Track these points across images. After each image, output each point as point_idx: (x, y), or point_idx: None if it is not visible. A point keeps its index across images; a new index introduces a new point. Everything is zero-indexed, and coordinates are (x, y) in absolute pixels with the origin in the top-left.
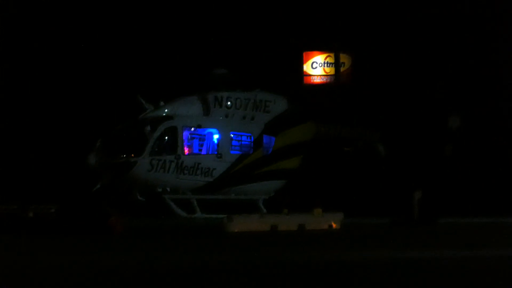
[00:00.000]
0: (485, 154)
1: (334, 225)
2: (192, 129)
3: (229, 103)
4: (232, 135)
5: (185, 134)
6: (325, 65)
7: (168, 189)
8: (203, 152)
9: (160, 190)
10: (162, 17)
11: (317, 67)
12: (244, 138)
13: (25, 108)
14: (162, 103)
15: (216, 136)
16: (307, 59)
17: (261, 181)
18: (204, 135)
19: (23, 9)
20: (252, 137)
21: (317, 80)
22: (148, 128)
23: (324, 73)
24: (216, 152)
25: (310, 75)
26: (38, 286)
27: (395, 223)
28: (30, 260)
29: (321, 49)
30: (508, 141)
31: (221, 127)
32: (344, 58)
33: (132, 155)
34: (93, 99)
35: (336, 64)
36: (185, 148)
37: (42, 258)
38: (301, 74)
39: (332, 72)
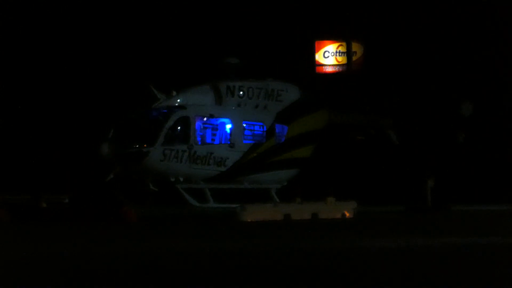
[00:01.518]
0: (497, 141)
1: (347, 214)
2: (205, 118)
3: (241, 92)
4: (245, 125)
5: (198, 123)
6: (337, 54)
7: (181, 178)
8: (216, 141)
9: (173, 179)
10: (176, 6)
11: (329, 56)
12: (256, 127)
13: (38, 97)
14: (174, 93)
15: (228, 126)
16: (319, 48)
17: (274, 170)
18: (217, 124)
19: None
20: (264, 126)
21: (329, 69)
22: (161, 117)
23: (336, 62)
24: (228, 142)
25: (322, 65)
26: (52, 274)
27: (408, 211)
28: (43, 250)
29: (333, 38)
30: None
31: (234, 116)
32: (356, 47)
33: (145, 144)
34: (106, 88)
35: (348, 53)
36: (197, 137)
37: (55, 247)
38: (313, 63)
39: (344, 61)
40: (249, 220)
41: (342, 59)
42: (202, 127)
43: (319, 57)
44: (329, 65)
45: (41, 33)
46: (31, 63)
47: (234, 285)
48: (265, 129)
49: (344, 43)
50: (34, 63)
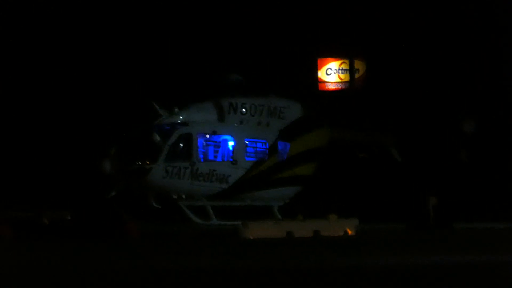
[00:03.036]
0: (499, 159)
1: (349, 231)
2: (207, 135)
3: (244, 109)
4: (247, 142)
5: (200, 140)
6: (340, 71)
7: (183, 195)
8: (218, 158)
9: (175, 196)
10: (178, 24)
11: (331, 73)
12: (259, 144)
13: (40, 114)
14: (176, 110)
15: (231, 143)
16: (322, 66)
17: (276, 187)
18: (219, 141)
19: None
20: (267, 144)
21: (331, 86)
22: (163, 134)
23: (339, 80)
24: (231, 159)
25: (325, 82)
26: None
27: (410, 228)
28: (46, 266)
29: (335, 55)
30: None
31: (236, 133)
32: (358, 64)
33: (147, 161)
34: (108, 105)
35: (351, 71)
36: (200, 154)
37: (58, 264)
38: (316, 80)
39: (347, 78)
40: (251, 237)
41: (344, 76)
42: (204, 144)
43: (321, 74)
44: (332, 82)
45: (49, 52)
46: (37, 79)
47: None
48: (267, 146)
49: (346, 61)
50: (40, 80)
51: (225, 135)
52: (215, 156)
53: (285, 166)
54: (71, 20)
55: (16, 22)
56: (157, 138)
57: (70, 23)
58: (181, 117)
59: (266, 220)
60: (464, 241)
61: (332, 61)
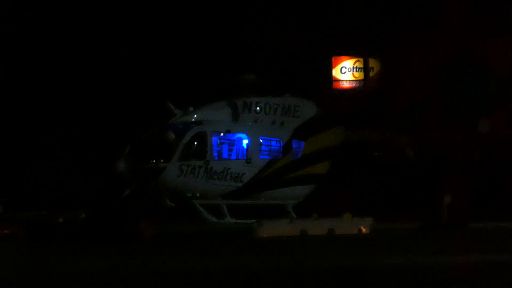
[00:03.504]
0: None
1: (363, 230)
2: (221, 134)
3: (258, 108)
4: (261, 140)
5: (214, 139)
6: (354, 70)
7: (198, 194)
8: (233, 157)
9: (189, 195)
10: (193, 24)
11: (346, 72)
12: (273, 143)
13: (56, 114)
14: (191, 109)
15: (245, 141)
16: (336, 64)
17: (291, 186)
18: (233, 140)
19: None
20: (281, 142)
21: (346, 85)
22: (177, 133)
23: (353, 78)
24: (245, 157)
25: (339, 80)
26: None
27: (425, 228)
28: (60, 265)
29: (350, 54)
30: None
31: (250, 132)
32: (373, 63)
33: (162, 160)
34: (123, 104)
35: (365, 69)
36: (214, 153)
37: (71, 263)
38: (330, 79)
39: (361, 77)
40: (265, 236)
41: (359, 75)
42: (218, 142)
43: (336, 72)
44: (346, 80)
45: (58, 58)
46: (49, 82)
47: None
48: (281, 144)
49: (361, 59)
50: (52, 82)
51: (239, 133)
52: (229, 155)
53: (299, 165)
54: (88, 18)
55: (18, 23)
56: (172, 137)
57: (87, 22)
58: (195, 116)
59: (281, 218)
60: (478, 240)
61: (346, 60)
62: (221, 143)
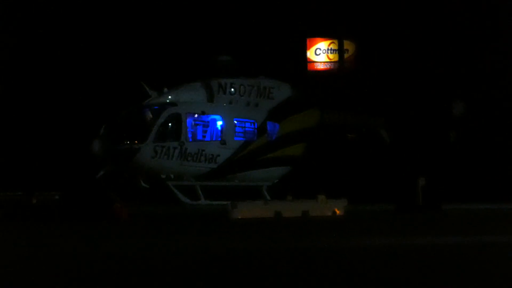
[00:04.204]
0: (488, 140)
1: (337, 212)
2: (196, 115)
3: (232, 89)
4: (236, 122)
5: (189, 120)
6: (329, 51)
7: (172, 175)
8: (207, 138)
9: (164, 176)
10: (167, 4)
11: (320, 53)
12: (248, 124)
13: (30, 95)
14: (165, 90)
15: (219, 123)
16: (311, 46)
17: (265, 167)
18: (208, 121)
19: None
20: (256, 124)
21: (321, 66)
22: (152, 114)
23: (328, 60)
24: (220, 139)
25: (314, 62)
26: (42, 273)
27: (399, 210)
28: (34, 247)
29: (324, 35)
30: None
31: (225, 113)
32: (348, 45)
33: (136, 141)
34: (97, 85)
35: (340, 51)
36: (188, 134)
37: (46, 245)
38: (305, 60)
39: (336, 58)
40: (240, 217)
41: (333, 57)
42: (193, 124)
43: (310, 54)
44: (321, 62)
45: (34, 29)
46: (23, 59)
47: (225, 285)
48: (256, 126)
49: (336, 41)
50: (26, 60)
51: (214, 115)
52: (204, 136)
53: (274, 147)
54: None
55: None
56: (146, 118)
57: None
58: (170, 97)
59: (255, 200)
60: (452, 222)
61: (321, 41)
62: (196, 125)
